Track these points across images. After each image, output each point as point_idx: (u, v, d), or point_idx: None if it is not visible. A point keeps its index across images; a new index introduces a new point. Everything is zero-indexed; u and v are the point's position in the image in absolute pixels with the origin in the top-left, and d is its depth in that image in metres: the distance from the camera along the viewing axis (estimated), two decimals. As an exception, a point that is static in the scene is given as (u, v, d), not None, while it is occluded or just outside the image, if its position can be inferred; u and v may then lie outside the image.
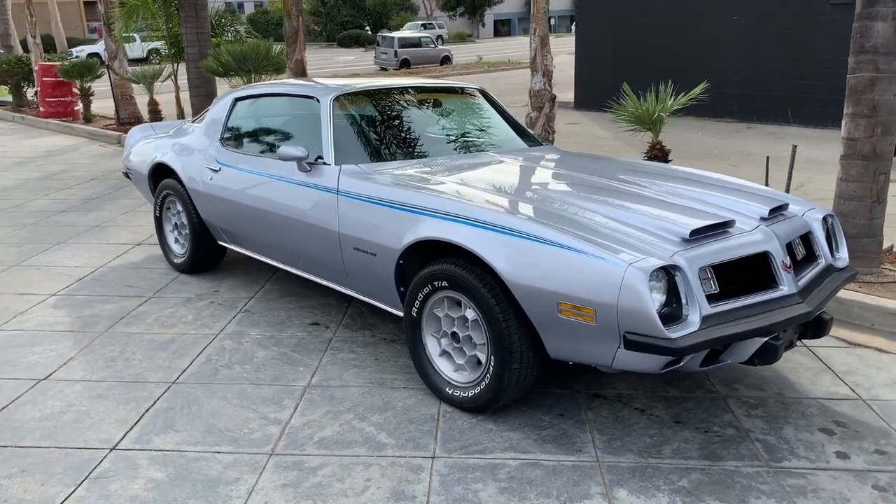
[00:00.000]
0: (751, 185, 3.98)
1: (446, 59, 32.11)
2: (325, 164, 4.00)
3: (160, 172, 5.34)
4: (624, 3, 14.88)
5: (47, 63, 15.00)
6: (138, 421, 3.30)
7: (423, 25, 44.64)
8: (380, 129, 4.34)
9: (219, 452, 3.05)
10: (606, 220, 3.18)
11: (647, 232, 3.07)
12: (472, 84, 5.08)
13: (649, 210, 3.29)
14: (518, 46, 44.46)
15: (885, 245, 5.34)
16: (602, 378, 3.69)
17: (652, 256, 2.86)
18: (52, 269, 5.46)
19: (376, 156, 4.12)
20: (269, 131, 4.63)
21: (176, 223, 5.31)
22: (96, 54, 26.38)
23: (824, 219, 3.67)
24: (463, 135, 4.57)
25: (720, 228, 3.12)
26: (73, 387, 3.62)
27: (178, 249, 5.35)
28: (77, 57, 18.83)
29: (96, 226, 6.71)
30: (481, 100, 4.95)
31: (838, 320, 4.43)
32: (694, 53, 13.60)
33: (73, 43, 32.06)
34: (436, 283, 3.35)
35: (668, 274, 2.87)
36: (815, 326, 3.33)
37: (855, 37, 4.89)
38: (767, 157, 5.87)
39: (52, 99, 14.95)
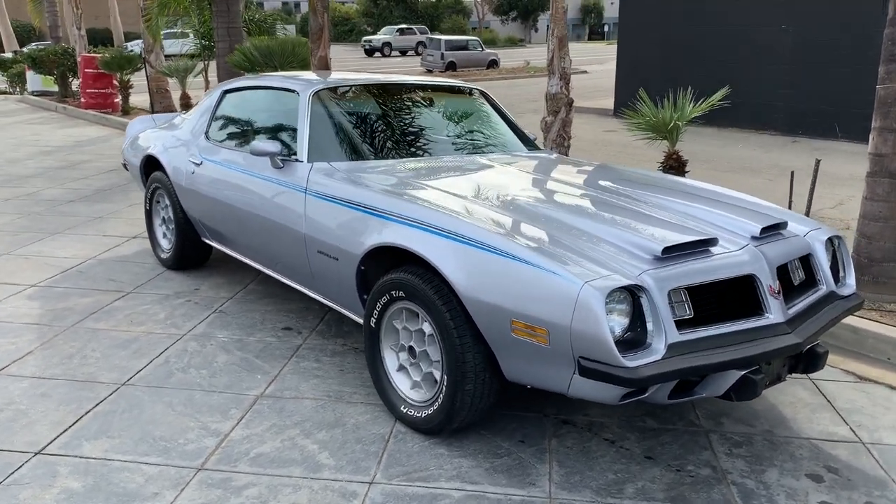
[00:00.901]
0: (753, 200, 3.65)
1: (493, 63, 31.87)
2: (297, 160, 3.80)
3: (150, 165, 5.22)
4: (670, 9, 14.44)
5: (89, 55, 15.20)
6: (74, 424, 3.14)
7: (398, 31, 43.01)
8: (362, 127, 4.12)
9: (145, 464, 2.86)
10: (578, 232, 2.91)
11: (618, 248, 2.79)
12: (471, 84, 4.83)
13: (628, 224, 3.01)
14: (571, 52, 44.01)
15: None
16: (575, 403, 3.41)
17: (615, 274, 2.58)
18: (41, 259, 5.38)
19: (353, 154, 3.90)
20: (251, 126, 4.45)
21: (164, 217, 5.18)
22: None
23: (829, 240, 3.33)
24: (453, 136, 4.32)
25: (700, 247, 2.82)
26: (20, 383, 3.48)
27: (166, 244, 5.21)
28: (132, 51, 19.16)
29: (99, 217, 6.64)
30: (480, 101, 4.70)
31: (851, 352, 4.07)
32: (740, 62, 13.11)
33: (130, 37, 32.69)
34: (393, 292, 3.11)
35: (632, 295, 2.59)
36: (807, 360, 3.00)
37: (886, 44, 4.52)
38: (792, 172, 5.49)
39: (93, 90, 15.15)
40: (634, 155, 10.11)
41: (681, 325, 2.66)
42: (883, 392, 3.65)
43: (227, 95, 4.74)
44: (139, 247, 5.68)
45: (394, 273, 3.11)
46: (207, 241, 4.84)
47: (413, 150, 4.07)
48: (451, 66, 30.29)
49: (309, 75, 4.49)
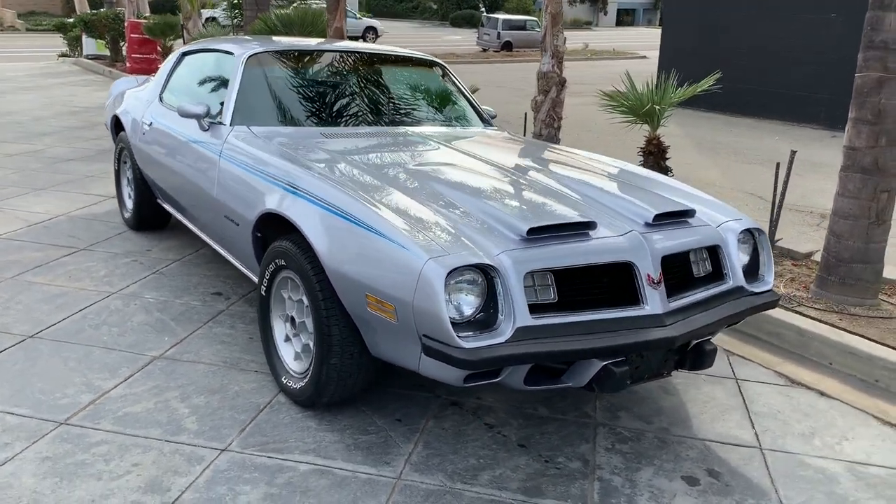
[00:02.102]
0: (678, 187, 3.47)
1: (551, 45, 31.26)
2: (220, 123, 3.77)
3: (118, 125, 5.27)
4: (715, -7, 13.91)
5: (136, 20, 15.51)
6: (-36, 372, 3.19)
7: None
8: (292, 94, 4.05)
9: (11, 414, 2.89)
10: (455, 209, 2.79)
11: (488, 226, 2.67)
12: (427, 55, 4.71)
13: (510, 203, 2.88)
14: (636, 37, 43.05)
15: (893, 275, 4.63)
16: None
17: (464, 252, 2.46)
18: (14, 213, 5.51)
19: (276, 120, 3.84)
20: (195, 89, 4.43)
21: (129, 178, 5.23)
22: (214, 18, 27.23)
23: (744, 233, 3.13)
24: (391, 108, 4.22)
25: (574, 229, 2.67)
26: (-67, 329, 3.57)
27: (129, 204, 5.27)
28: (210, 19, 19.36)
29: (90, 176, 6.77)
30: (433, 73, 4.58)
31: (794, 354, 3.86)
32: (784, 51, 12.56)
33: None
34: (277, 260, 3.06)
35: (486, 275, 2.47)
36: (693, 356, 2.83)
37: (866, 29, 4.21)
38: (777, 164, 5.19)
39: (138, 55, 15.44)
40: (626, 142, 9.79)
41: (543, 309, 2.54)
42: (809, 398, 3.43)
43: (185, 58, 4.74)
44: (112, 206, 5.76)
45: (278, 241, 3.05)
46: (160, 203, 4.87)
47: (341, 119, 3.99)
48: (506, 46, 29.90)
49: (256, 40, 4.44)
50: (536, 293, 2.56)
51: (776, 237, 5.14)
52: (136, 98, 5.01)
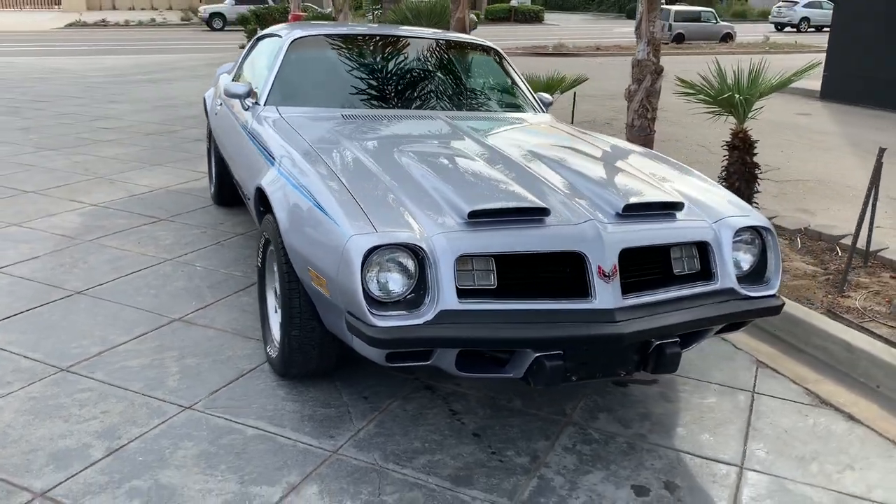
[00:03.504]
0: (690, 176, 3.23)
1: (728, 37, 29.61)
2: (256, 104, 3.95)
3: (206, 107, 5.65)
4: (896, -22, 12.52)
5: (298, 13, 16.47)
6: (4, 319, 3.58)
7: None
8: (326, 76, 4.15)
9: (24, 357, 3.21)
10: (414, 188, 2.76)
11: (438, 207, 2.63)
12: (479, 40, 4.65)
13: (470, 185, 2.82)
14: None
15: None
16: (452, 372, 3.26)
17: (395, 231, 2.44)
18: (122, 185, 6.06)
19: (305, 102, 3.94)
20: (259, 71, 4.64)
21: (212, 155, 5.59)
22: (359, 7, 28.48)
23: (749, 231, 2.85)
24: (428, 92, 4.20)
25: (523, 214, 2.56)
26: (1, 280, 4.02)
27: (214, 180, 5.64)
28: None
29: (202, 155, 7.29)
30: (482, 58, 4.52)
31: (838, 372, 3.46)
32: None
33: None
34: (265, 233, 3.18)
35: (417, 255, 2.44)
36: (655, 358, 2.62)
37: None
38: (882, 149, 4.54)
39: (299, 46, 16.40)
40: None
41: (480, 294, 2.47)
42: (830, 420, 3.07)
43: (258, 42, 4.99)
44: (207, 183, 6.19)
45: (267, 215, 3.17)
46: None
47: (368, 101, 4.02)
48: (678, 38, 28.65)
49: (313, 25, 4.60)
50: (475, 278, 2.49)
51: (877, 246, 4.62)
52: (222, 80, 5.34)
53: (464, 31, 9.50)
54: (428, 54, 4.42)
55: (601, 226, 2.57)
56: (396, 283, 2.44)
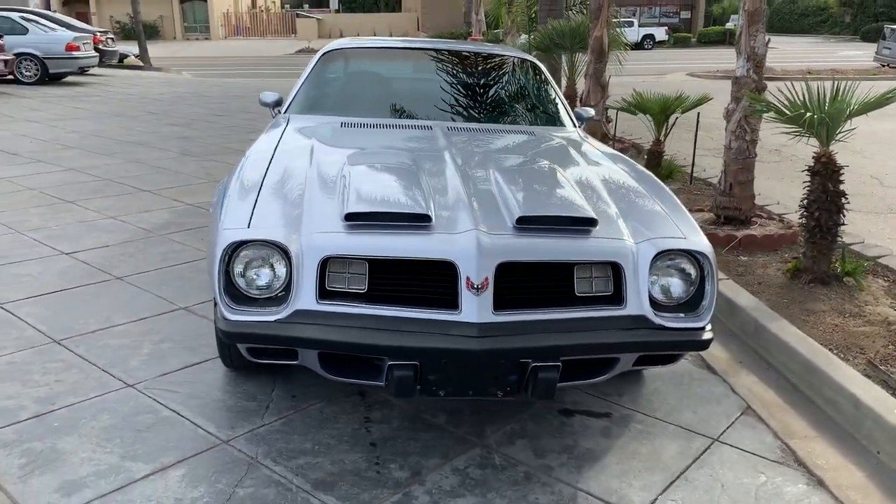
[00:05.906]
0: (654, 196, 2.94)
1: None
2: (279, 112, 4.15)
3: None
4: None
5: (475, 36, 16.91)
6: (51, 293, 4.05)
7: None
8: (348, 88, 4.25)
9: (34, 329, 3.61)
10: (332, 193, 2.78)
11: (330, 210, 2.63)
12: (517, 52, 4.53)
13: (379, 190, 2.77)
14: None
15: None
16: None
17: (267, 229, 2.49)
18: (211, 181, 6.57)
19: (321, 110, 4.07)
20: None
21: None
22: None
23: (672, 254, 2.56)
24: (452, 104, 4.14)
25: (399, 220, 2.49)
26: (65, 262, 4.55)
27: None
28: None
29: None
30: (522, 74, 4.40)
31: (840, 431, 2.98)
32: None
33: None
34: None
35: (287, 254, 2.47)
36: (532, 382, 2.42)
37: None
38: None
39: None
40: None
41: (349, 297, 2.45)
42: (787, 483, 2.64)
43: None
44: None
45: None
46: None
47: (377, 111, 4.04)
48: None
49: (362, 39, 4.73)
50: (347, 281, 2.47)
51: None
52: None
53: (601, 50, 9.25)
54: (445, 66, 4.39)
55: (481, 236, 2.43)
56: (262, 280, 2.48)
